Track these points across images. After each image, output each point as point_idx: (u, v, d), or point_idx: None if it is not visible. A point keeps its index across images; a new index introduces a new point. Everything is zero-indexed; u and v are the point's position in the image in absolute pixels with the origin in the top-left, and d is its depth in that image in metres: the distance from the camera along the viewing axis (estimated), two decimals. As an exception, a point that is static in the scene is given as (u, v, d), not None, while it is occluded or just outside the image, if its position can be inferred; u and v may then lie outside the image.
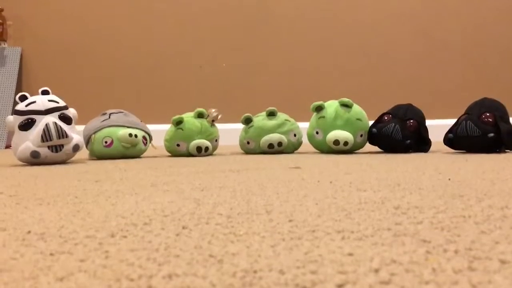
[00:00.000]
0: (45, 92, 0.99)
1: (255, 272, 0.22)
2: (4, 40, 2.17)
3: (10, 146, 1.06)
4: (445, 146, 1.11)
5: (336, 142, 1.11)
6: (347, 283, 0.21)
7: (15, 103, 0.99)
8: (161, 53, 2.18)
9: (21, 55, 2.18)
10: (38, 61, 2.19)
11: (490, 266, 0.23)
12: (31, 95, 0.98)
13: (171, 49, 2.18)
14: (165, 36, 2.18)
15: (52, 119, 0.93)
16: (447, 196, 0.44)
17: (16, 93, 2.01)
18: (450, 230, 0.30)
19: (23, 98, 0.97)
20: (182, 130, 1.16)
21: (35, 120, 0.93)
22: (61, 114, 0.96)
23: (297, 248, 0.27)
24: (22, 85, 2.18)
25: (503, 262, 0.23)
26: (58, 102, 0.98)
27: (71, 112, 1.00)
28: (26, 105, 0.95)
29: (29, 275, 0.23)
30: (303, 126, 1.27)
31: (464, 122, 1.03)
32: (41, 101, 0.95)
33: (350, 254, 0.25)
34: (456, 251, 0.25)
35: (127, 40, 2.18)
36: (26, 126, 0.93)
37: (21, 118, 0.94)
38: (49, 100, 0.96)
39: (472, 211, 0.37)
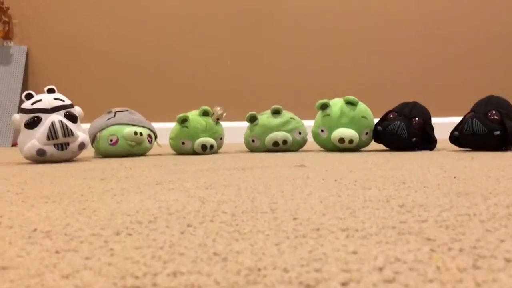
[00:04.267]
0: (50, 91, 1.00)
1: (259, 270, 0.23)
2: (10, 39, 2.19)
3: (17, 144, 1.06)
4: (451, 144, 1.11)
5: (341, 140, 1.11)
6: (351, 282, 0.21)
7: (21, 102, 0.99)
8: (166, 52, 2.18)
9: (27, 54, 2.19)
10: (44, 60, 2.20)
11: (495, 264, 0.23)
12: (37, 93, 0.99)
13: (176, 48, 2.18)
14: (170, 35, 2.19)
15: (58, 117, 0.93)
16: (452, 194, 0.44)
17: (22, 92, 2.01)
18: (455, 229, 0.30)
19: (29, 96, 0.97)
20: (187, 128, 1.16)
21: (41, 118, 0.94)
22: (66, 112, 0.97)
23: (301, 246, 0.27)
24: (28, 83, 2.19)
25: (508, 260, 0.23)
26: (63, 101, 0.98)
27: (77, 110, 1.00)
28: (32, 104, 0.95)
29: (35, 272, 0.23)
30: (308, 124, 1.27)
31: (470, 120, 1.03)
32: (47, 100, 0.96)
33: (355, 252, 0.25)
34: (460, 250, 0.25)
35: (133, 38, 2.19)
36: (32, 124, 0.93)
37: (27, 117, 0.94)
38: (55, 99, 0.97)
39: (478, 209, 0.36)
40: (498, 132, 1.01)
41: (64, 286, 0.21)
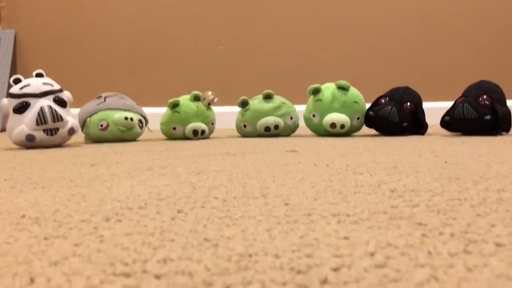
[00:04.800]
0: (39, 75, 0.98)
1: (250, 256, 0.22)
2: (-3, 22, 2.15)
3: (5, 130, 1.05)
4: (442, 128, 1.11)
5: (333, 125, 1.11)
6: (343, 267, 0.21)
7: (9, 86, 0.98)
8: (157, 36, 2.16)
9: (15, 38, 2.15)
10: (32, 44, 2.17)
11: (485, 249, 0.23)
12: (26, 78, 0.97)
13: (167, 32, 2.16)
14: (161, 19, 2.16)
15: (47, 102, 0.92)
16: (443, 179, 0.44)
17: (10, 76, 1.98)
18: (446, 213, 0.30)
19: (17, 81, 0.96)
20: (178, 113, 1.16)
21: (30, 103, 0.92)
22: (55, 97, 0.95)
23: (292, 232, 0.26)
24: (17, 68, 2.16)
25: (498, 245, 0.23)
26: (52, 85, 0.97)
27: (66, 95, 0.99)
28: (20, 88, 0.94)
29: (23, 259, 0.23)
30: (300, 109, 1.27)
31: (461, 104, 1.03)
32: (35, 84, 0.94)
33: (346, 238, 0.25)
34: (451, 234, 0.25)
35: (123, 22, 2.16)
36: (21, 109, 0.92)
37: (15, 101, 0.93)
38: (44, 83, 0.95)
39: (468, 194, 0.37)
40: (488, 117, 1.01)
41: (52, 273, 0.21)
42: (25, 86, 0.94)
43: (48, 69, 1.16)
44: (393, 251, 0.23)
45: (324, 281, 0.19)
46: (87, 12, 2.16)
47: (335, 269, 0.20)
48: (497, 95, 1.07)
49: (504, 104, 1.07)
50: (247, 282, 0.19)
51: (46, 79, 0.97)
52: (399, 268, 0.20)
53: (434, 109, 1.63)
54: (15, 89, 0.94)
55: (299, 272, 0.20)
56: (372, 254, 0.22)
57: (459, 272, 0.20)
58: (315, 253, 0.23)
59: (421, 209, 0.31)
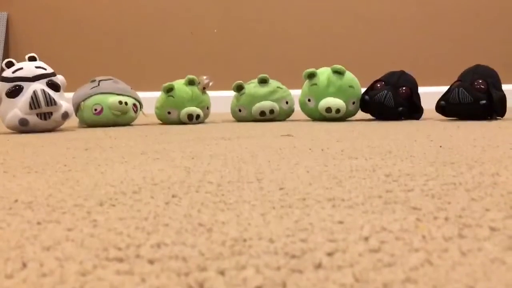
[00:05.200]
0: (32, 59, 0.97)
1: (244, 240, 0.22)
2: (-11, 5, 2.12)
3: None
4: (437, 113, 1.11)
5: (328, 109, 1.10)
6: (337, 251, 0.21)
7: (2, 70, 0.97)
8: (152, 19, 2.14)
9: (8, 21, 2.13)
10: (25, 27, 2.14)
11: (480, 233, 0.23)
12: (18, 61, 0.96)
13: (161, 15, 2.14)
14: (156, 2, 2.13)
15: (40, 86, 0.91)
16: (438, 163, 0.44)
17: (2, 60, 1.96)
18: (441, 198, 0.30)
19: (10, 64, 0.95)
20: (173, 97, 1.15)
21: (23, 87, 0.91)
22: (49, 81, 0.94)
23: (287, 216, 0.26)
24: (9, 51, 2.13)
25: (493, 229, 0.23)
26: (45, 69, 0.96)
27: (59, 79, 0.98)
28: (13, 72, 0.93)
29: (15, 244, 0.22)
30: (295, 93, 1.26)
31: (456, 89, 1.03)
32: (28, 68, 0.93)
33: (341, 222, 0.25)
34: (446, 219, 0.25)
35: (117, 5, 2.13)
36: (14, 93, 0.91)
37: (8, 85, 0.92)
38: (36, 67, 0.94)
39: (463, 178, 0.37)
40: (484, 101, 1.01)
41: (44, 258, 0.20)
42: (17, 69, 0.93)
43: (41, 53, 1.15)
44: (387, 235, 0.23)
45: (318, 266, 0.19)
46: (80, -6, 2.13)
47: (330, 254, 0.20)
48: (493, 79, 1.07)
49: (500, 89, 1.07)
50: (241, 267, 0.19)
51: (39, 63, 0.96)
52: (394, 253, 0.20)
53: (430, 94, 1.62)
54: (7, 72, 0.93)
55: (293, 256, 0.20)
56: (366, 239, 0.22)
57: (453, 256, 0.20)
58: (310, 237, 0.22)
59: (416, 194, 0.31)
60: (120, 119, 1.12)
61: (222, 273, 0.18)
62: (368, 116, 1.24)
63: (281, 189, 0.34)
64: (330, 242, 0.22)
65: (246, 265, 0.19)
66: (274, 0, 2.13)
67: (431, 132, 0.78)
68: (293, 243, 0.22)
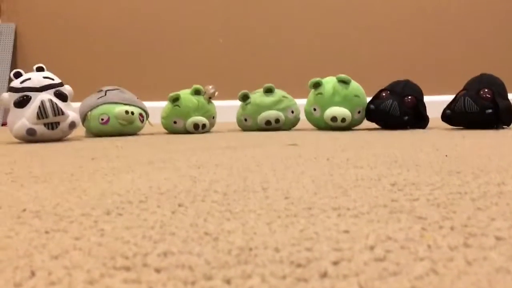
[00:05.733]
0: (40, 69, 0.98)
1: (250, 249, 0.22)
2: (-2, 16, 2.14)
3: (6, 124, 1.05)
4: (443, 122, 1.11)
5: (334, 118, 1.10)
6: (342, 260, 0.21)
7: (10, 81, 0.98)
8: (158, 29, 2.15)
9: (15, 32, 2.15)
10: (32, 38, 2.16)
11: (485, 242, 0.23)
12: (26, 72, 0.97)
13: (167, 26, 2.15)
14: (162, 12, 2.15)
15: (47, 96, 0.92)
16: (444, 172, 0.44)
17: (11, 70, 1.98)
18: (446, 207, 0.30)
19: (18, 75, 0.96)
20: (179, 107, 1.15)
21: (30, 97, 0.92)
22: (56, 91, 0.95)
23: (292, 226, 0.26)
24: (17, 61, 2.16)
25: (498, 238, 0.23)
26: (53, 79, 0.97)
27: (67, 89, 0.99)
28: (21, 82, 0.94)
29: (23, 253, 0.23)
30: (301, 102, 1.27)
31: (462, 98, 1.03)
32: (36, 78, 0.94)
33: (346, 231, 0.25)
34: (451, 228, 0.25)
35: (124, 16, 2.15)
36: (22, 103, 0.92)
37: (16, 95, 0.93)
38: (44, 77, 0.95)
39: (469, 187, 0.37)
40: (490, 110, 1.01)
41: (53, 267, 0.21)
42: (25, 80, 0.94)
43: (48, 63, 1.16)
44: (393, 244, 0.23)
45: (324, 275, 0.19)
46: (88, 5, 2.15)
47: (335, 263, 0.20)
48: (499, 88, 1.07)
49: (506, 97, 1.07)
50: (247, 276, 0.19)
51: (46, 73, 0.97)
52: (399, 262, 0.20)
53: (435, 103, 1.62)
54: (15, 83, 0.94)
55: (298, 265, 0.20)
56: (372, 248, 0.22)
57: (458, 265, 0.20)
58: (315, 246, 0.23)
59: (421, 203, 0.31)
60: (127, 128, 1.13)
61: (228, 282, 0.19)
62: (374, 125, 1.24)
63: (286, 198, 0.34)
64: (335, 251, 0.22)
65: (251, 274, 0.19)
66: (280, 9, 2.14)
67: (437, 141, 0.78)
68: (299, 252, 0.22)
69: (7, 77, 2.03)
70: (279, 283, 0.18)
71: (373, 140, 0.83)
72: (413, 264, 0.20)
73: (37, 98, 0.91)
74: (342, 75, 1.14)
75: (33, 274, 0.20)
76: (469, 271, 0.19)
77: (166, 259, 0.21)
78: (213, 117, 1.22)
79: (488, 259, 0.21)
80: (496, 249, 0.22)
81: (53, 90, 0.95)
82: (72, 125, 0.96)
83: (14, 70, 0.97)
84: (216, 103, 1.26)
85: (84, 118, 1.12)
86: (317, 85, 1.16)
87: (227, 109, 1.83)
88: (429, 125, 1.19)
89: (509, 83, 1.17)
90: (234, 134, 1.11)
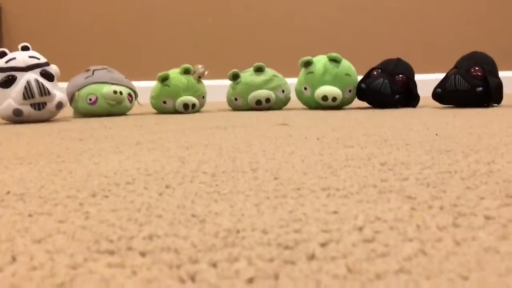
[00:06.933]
0: (25, 48, 0.96)
1: (238, 232, 0.22)
2: (-19, -6, 2.09)
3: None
4: (434, 101, 1.11)
5: (325, 98, 1.10)
6: (331, 242, 0.20)
7: (-5, 60, 0.96)
8: (146, 8, 2.12)
9: (0, 10, 2.10)
10: (17, 16, 2.11)
11: (474, 222, 0.23)
12: (11, 51, 0.95)
13: (156, 4, 2.12)
14: (150, -11, 2.11)
15: (33, 76, 0.90)
16: (434, 151, 0.44)
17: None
18: (436, 186, 0.30)
19: (3, 54, 0.94)
20: (168, 86, 1.14)
21: (16, 77, 0.91)
22: (42, 70, 0.93)
23: (281, 207, 0.26)
24: (3, 42, 2.11)
25: (487, 218, 0.23)
26: (39, 59, 0.95)
27: (53, 68, 0.97)
28: (6, 62, 0.92)
29: (5, 237, 0.22)
30: (291, 82, 1.26)
31: (453, 76, 1.03)
32: (21, 58, 0.92)
33: (335, 212, 0.25)
34: (441, 207, 0.25)
35: (110, -7, 2.11)
36: (7, 83, 0.90)
37: (1, 75, 0.91)
38: (30, 57, 0.93)
39: (459, 166, 0.36)
40: (480, 89, 1.01)
41: (35, 251, 0.20)
42: (10, 59, 0.92)
43: (34, 43, 1.14)
44: (381, 225, 0.23)
45: (312, 257, 0.19)
46: (74, -17, 2.10)
47: (323, 244, 0.20)
48: (490, 66, 1.06)
49: (496, 76, 1.07)
50: (233, 259, 0.19)
51: (32, 52, 0.95)
52: (388, 243, 0.20)
53: (426, 81, 1.62)
54: (0, 62, 0.92)
55: (286, 247, 0.20)
56: (360, 229, 0.22)
57: (447, 245, 0.20)
58: (304, 228, 0.22)
59: (411, 182, 0.31)
60: (115, 108, 1.11)
61: (214, 265, 0.18)
62: (365, 104, 1.23)
63: (275, 179, 0.34)
64: (323, 232, 0.22)
65: (238, 257, 0.19)
66: (270, -13, 2.11)
67: (428, 120, 0.78)
68: (287, 234, 0.22)
69: (-7, 57, 1.99)
70: (266, 265, 0.18)
71: (364, 119, 0.83)
72: (402, 245, 0.20)
73: (23, 78, 0.90)
74: (333, 54, 1.13)
75: (14, 259, 0.19)
76: (457, 251, 0.19)
77: (151, 242, 0.21)
78: (203, 97, 1.21)
79: (477, 239, 0.20)
80: (485, 228, 0.22)
81: (39, 69, 0.93)
82: (59, 105, 0.95)
83: (-1, 49, 0.95)
84: (206, 82, 1.25)
85: (71, 98, 1.11)
86: (307, 63, 1.15)
87: (217, 88, 1.81)
88: (420, 103, 1.19)
89: (500, 61, 1.17)
90: (224, 114, 1.10)
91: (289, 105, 1.29)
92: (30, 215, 0.26)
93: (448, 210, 0.25)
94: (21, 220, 0.25)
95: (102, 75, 1.13)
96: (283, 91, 1.21)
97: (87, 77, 1.12)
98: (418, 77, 1.23)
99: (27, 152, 0.51)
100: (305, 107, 1.24)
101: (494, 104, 1.08)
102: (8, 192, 0.32)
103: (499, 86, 1.04)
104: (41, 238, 0.22)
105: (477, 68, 1.04)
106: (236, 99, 1.21)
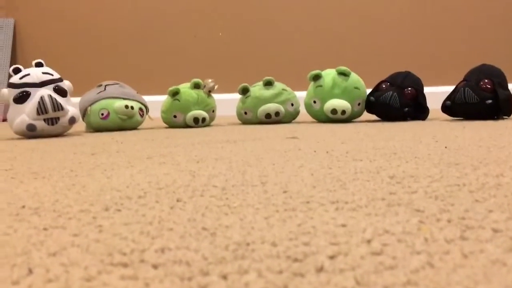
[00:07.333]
0: (39, 65, 0.98)
1: (247, 244, 0.22)
2: (-4, 12, 2.14)
3: (6, 120, 1.05)
4: (443, 113, 1.11)
5: (334, 111, 1.10)
6: (339, 254, 0.21)
7: (9, 76, 0.98)
8: (157, 23, 2.15)
9: (14, 27, 2.15)
10: (31, 33, 2.16)
11: (482, 235, 0.23)
12: (25, 67, 0.97)
13: (166, 19, 2.15)
14: (160, 6, 2.14)
15: (47, 91, 0.92)
16: (442, 164, 0.44)
17: (10, 66, 1.98)
18: (444, 199, 0.30)
19: (17, 70, 0.96)
20: (179, 101, 1.15)
21: (30, 93, 0.92)
22: (55, 86, 0.95)
23: (290, 220, 0.27)
24: (17, 57, 2.15)
25: (495, 231, 0.23)
26: (52, 75, 0.96)
27: (66, 84, 0.99)
28: (20, 78, 0.94)
29: (21, 250, 0.23)
30: (301, 95, 1.27)
31: (462, 89, 1.03)
32: (35, 74, 0.94)
33: (343, 225, 0.25)
34: (449, 220, 0.25)
35: (123, 10, 2.14)
36: (21, 99, 0.92)
37: (15, 91, 0.93)
38: (43, 73, 0.95)
39: (467, 179, 0.37)
40: (490, 101, 1.00)
41: (50, 264, 0.21)
42: (24, 75, 0.94)
43: (48, 58, 1.16)
44: (389, 238, 0.23)
45: (320, 269, 0.19)
46: (87, 0, 2.14)
47: (332, 257, 0.20)
48: (499, 78, 1.06)
49: (506, 88, 1.07)
50: (243, 271, 0.19)
51: (45, 69, 0.97)
52: (395, 255, 0.20)
53: (435, 94, 1.62)
54: (15, 79, 0.94)
55: (295, 260, 0.20)
56: (368, 242, 0.22)
57: (454, 258, 0.20)
58: (312, 241, 0.23)
59: (419, 195, 0.32)
60: (127, 123, 1.13)
61: (224, 277, 0.19)
62: (374, 117, 1.23)
63: (285, 192, 0.34)
64: (332, 245, 0.22)
65: (248, 269, 0.19)
66: (278, 2, 2.13)
67: (437, 133, 0.78)
68: (296, 246, 0.22)
69: (7, 73, 2.03)
70: (276, 278, 0.18)
71: (373, 132, 0.83)
72: (410, 258, 0.20)
73: (37, 94, 0.91)
74: (342, 67, 1.13)
75: (30, 271, 0.20)
76: (465, 264, 0.19)
77: (163, 255, 0.21)
78: (213, 111, 1.22)
79: (485, 251, 0.21)
80: (493, 241, 0.22)
81: (53, 85, 0.95)
82: (72, 120, 0.96)
83: (13, 66, 0.96)
84: (216, 96, 1.26)
85: (84, 113, 1.12)
86: (316, 77, 1.16)
87: (227, 102, 1.83)
88: (430, 116, 1.19)
89: (509, 74, 1.16)
90: (234, 128, 1.11)
91: (298, 119, 1.30)
92: (45, 229, 0.26)
93: (456, 223, 0.25)
94: (36, 234, 0.26)
95: (114, 90, 1.15)
96: (292, 104, 1.22)
97: (99, 92, 1.13)
98: (427, 90, 1.23)
99: (41, 166, 0.52)
100: (314, 120, 1.25)
101: (504, 117, 1.08)
102: (23, 206, 0.32)
103: (508, 98, 1.04)
104: (56, 251, 0.22)
105: (486, 80, 1.03)
106: (245, 113, 1.22)
